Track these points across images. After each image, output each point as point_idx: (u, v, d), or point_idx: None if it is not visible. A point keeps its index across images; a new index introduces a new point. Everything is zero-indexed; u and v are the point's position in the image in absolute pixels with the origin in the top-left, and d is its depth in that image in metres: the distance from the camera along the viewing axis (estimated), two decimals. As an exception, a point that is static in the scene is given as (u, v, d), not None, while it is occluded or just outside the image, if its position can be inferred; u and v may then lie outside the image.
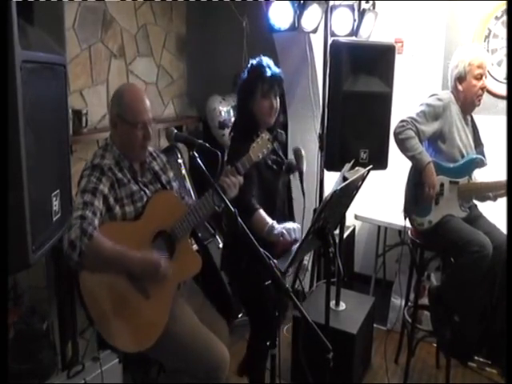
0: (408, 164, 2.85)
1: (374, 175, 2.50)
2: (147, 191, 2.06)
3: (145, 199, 2.01)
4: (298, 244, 1.86)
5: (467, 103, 2.75)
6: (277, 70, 2.38)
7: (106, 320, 1.84)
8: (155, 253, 1.90)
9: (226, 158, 2.21)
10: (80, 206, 1.78)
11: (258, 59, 2.40)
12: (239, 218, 1.71)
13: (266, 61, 2.37)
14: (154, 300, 1.94)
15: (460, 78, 2.73)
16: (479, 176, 2.80)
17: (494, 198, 2.68)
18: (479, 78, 2.68)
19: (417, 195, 2.78)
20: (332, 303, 2.89)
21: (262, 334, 2.37)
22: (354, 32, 3.12)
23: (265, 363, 2.49)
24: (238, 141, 2.38)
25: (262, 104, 2.34)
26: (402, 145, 2.70)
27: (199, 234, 2.20)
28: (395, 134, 2.73)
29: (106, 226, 1.85)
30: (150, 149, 2.21)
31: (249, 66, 2.40)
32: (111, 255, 1.79)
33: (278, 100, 2.41)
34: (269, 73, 2.33)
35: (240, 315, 3.05)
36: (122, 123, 1.98)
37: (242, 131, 2.40)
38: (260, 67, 2.34)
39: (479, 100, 2.74)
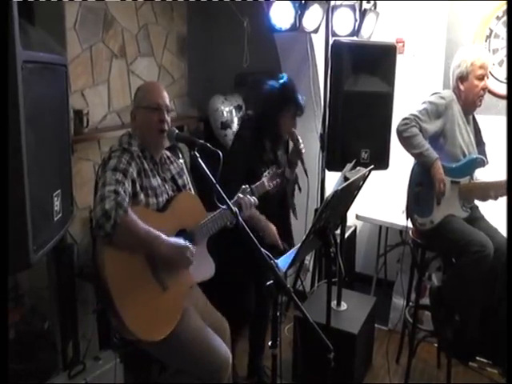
0: (409, 164, 2.85)
1: (375, 175, 2.49)
2: (167, 187, 2.10)
3: (165, 196, 2.05)
4: (299, 244, 1.86)
5: (468, 103, 2.75)
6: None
7: (124, 299, 1.81)
8: (182, 239, 1.93)
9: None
10: (113, 182, 1.78)
11: (290, 80, 2.70)
12: (240, 219, 1.72)
13: (293, 82, 2.71)
14: (170, 293, 1.94)
15: (462, 78, 2.73)
16: (481, 175, 2.80)
17: (495, 198, 2.68)
18: (481, 78, 2.68)
19: (419, 195, 2.77)
20: (333, 303, 2.89)
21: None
22: (355, 32, 3.12)
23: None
24: (250, 141, 2.65)
25: (289, 124, 2.68)
26: (408, 142, 2.68)
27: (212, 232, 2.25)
28: (399, 132, 2.70)
29: (135, 209, 1.85)
30: (168, 153, 2.25)
31: (282, 83, 2.67)
32: (143, 234, 1.80)
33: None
34: (301, 100, 2.66)
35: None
36: (140, 111, 2.04)
37: (262, 138, 2.69)
38: (295, 92, 2.65)
39: (480, 100, 2.73)
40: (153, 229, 1.83)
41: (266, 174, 2.33)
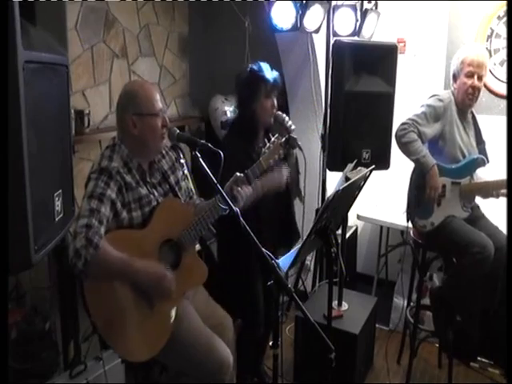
0: (410, 164, 2.85)
1: (377, 175, 2.49)
2: (156, 193, 2.03)
3: (153, 203, 1.99)
4: (300, 244, 1.86)
5: (461, 102, 2.75)
6: (275, 72, 2.50)
7: (110, 328, 1.82)
8: (161, 265, 1.90)
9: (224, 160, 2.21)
10: (86, 214, 1.75)
11: (257, 64, 2.51)
12: (241, 219, 1.71)
13: (265, 65, 2.49)
14: (158, 309, 1.92)
15: (454, 76, 2.76)
16: (482, 174, 2.79)
17: (497, 196, 2.68)
18: (469, 75, 2.67)
19: (419, 197, 2.77)
20: (334, 303, 2.89)
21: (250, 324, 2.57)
22: (357, 32, 3.12)
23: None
24: (239, 142, 2.45)
25: (265, 104, 2.45)
26: (406, 148, 2.69)
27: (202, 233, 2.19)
28: (397, 138, 2.71)
29: (113, 234, 1.83)
30: None
31: (249, 69, 2.50)
32: (116, 265, 1.78)
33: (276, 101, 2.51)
34: (270, 75, 2.45)
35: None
36: (142, 118, 1.94)
37: (243, 132, 2.49)
38: (262, 71, 2.46)
39: (470, 99, 2.72)
40: (127, 256, 1.79)
41: (265, 150, 2.20)
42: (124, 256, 1.79)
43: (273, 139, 2.19)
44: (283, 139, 2.17)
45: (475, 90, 2.69)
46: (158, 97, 2.00)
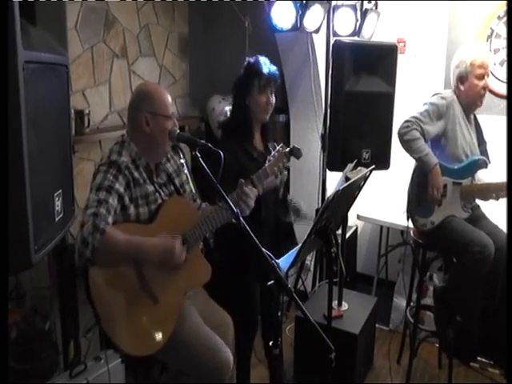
0: (411, 164, 2.85)
1: (377, 175, 2.49)
2: (162, 193, 2.05)
3: (159, 201, 2.00)
4: (300, 244, 1.86)
5: (469, 103, 2.74)
6: (273, 67, 2.44)
7: (113, 322, 1.83)
8: (169, 237, 1.90)
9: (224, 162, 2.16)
10: (94, 204, 1.77)
11: (254, 57, 2.46)
12: (241, 219, 1.71)
13: (263, 59, 2.44)
14: (162, 305, 1.93)
15: (461, 78, 2.72)
16: (483, 175, 2.79)
17: (497, 198, 2.68)
18: (481, 77, 2.67)
19: (419, 196, 2.77)
20: (334, 303, 2.89)
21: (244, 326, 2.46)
22: (357, 32, 3.12)
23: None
24: (234, 140, 2.41)
25: (258, 99, 2.39)
26: (408, 146, 2.68)
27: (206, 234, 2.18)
28: (400, 135, 2.70)
29: (120, 225, 1.84)
30: None
31: (245, 63, 2.45)
32: (124, 245, 1.79)
33: (274, 97, 2.45)
34: (265, 69, 2.39)
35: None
36: (156, 118, 1.97)
37: (236, 130, 2.44)
38: (257, 64, 2.41)
39: (481, 100, 2.73)
40: (134, 236, 1.81)
41: (270, 158, 2.13)
42: (130, 236, 1.80)
43: (278, 148, 2.16)
44: (287, 149, 2.15)
45: (485, 91, 2.71)
46: (171, 101, 2.03)
